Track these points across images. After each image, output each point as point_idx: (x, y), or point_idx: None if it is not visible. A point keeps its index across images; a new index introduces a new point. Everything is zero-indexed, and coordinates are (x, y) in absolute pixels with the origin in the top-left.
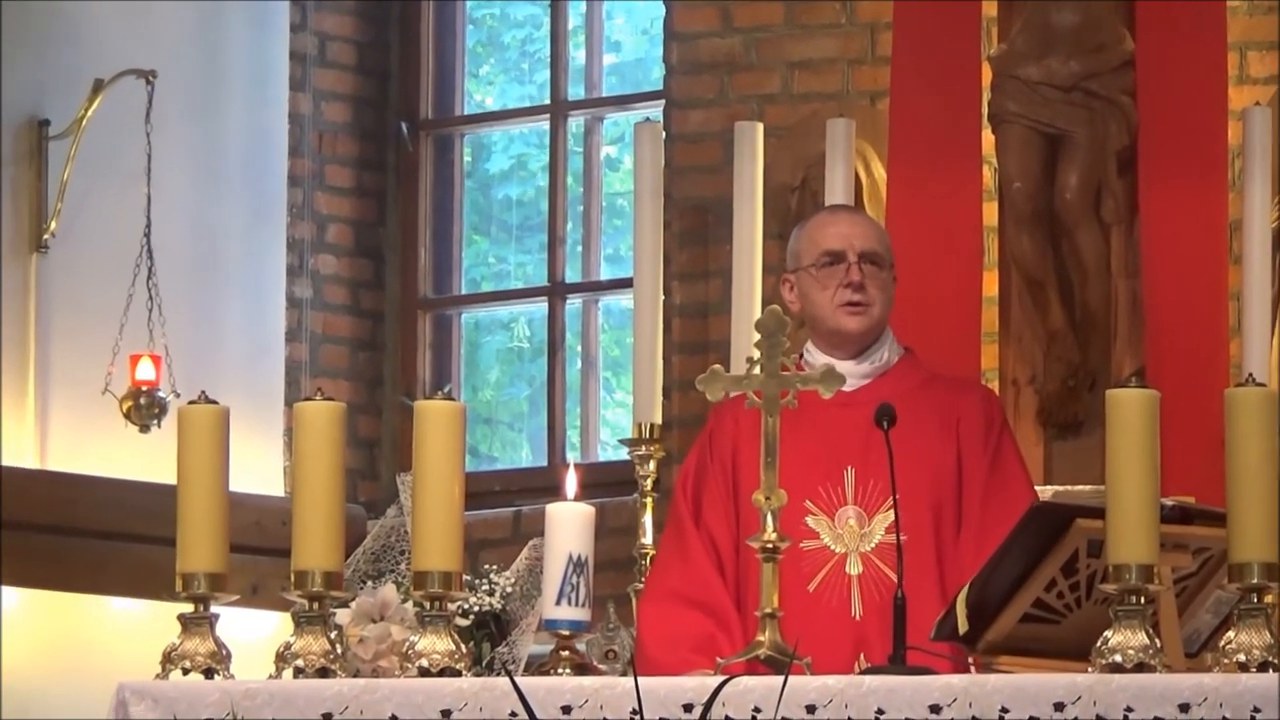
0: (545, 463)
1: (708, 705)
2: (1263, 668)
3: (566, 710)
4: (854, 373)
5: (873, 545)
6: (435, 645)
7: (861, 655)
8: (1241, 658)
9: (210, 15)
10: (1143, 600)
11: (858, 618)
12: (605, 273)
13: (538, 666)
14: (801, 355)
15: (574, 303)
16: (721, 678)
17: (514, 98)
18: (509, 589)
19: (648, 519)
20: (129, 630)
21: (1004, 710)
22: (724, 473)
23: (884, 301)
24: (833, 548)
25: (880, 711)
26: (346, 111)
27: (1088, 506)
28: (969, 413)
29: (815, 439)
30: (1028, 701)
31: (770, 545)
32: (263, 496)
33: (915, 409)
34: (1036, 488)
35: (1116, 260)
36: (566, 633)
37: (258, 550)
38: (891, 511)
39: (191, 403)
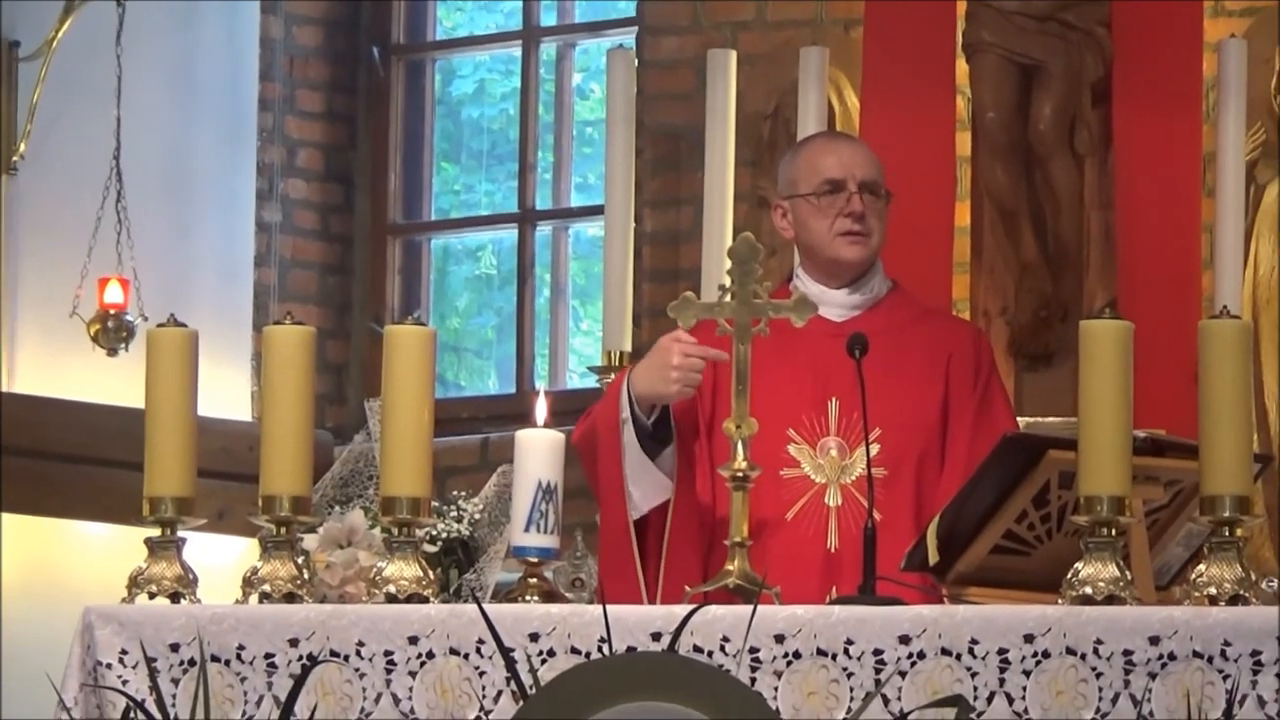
0: (513, 390)
1: (675, 634)
2: (1233, 601)
3: (534, 638)
4: (845, 303)
5: (853, 478)
6: (403, 571)
7: (834, 587)
8: (1212, 591)
9: None
10: (1114, 532)
11: (833, 550)
12: (575, 200)
13: (505, 593)
14: (790, 281)
15: (543, 230)
16: (689, 607)
17: (483, 25)
18: (477, 515)
19: None
20: (96, 554)
21: (973, 641)
22: (699, 400)
23: (881, 231)
24: (813, 477)
25: (849, 642)
26: (318, 35)
27: (1060, 438)
28: (960, 351)
29: (802, 368)
30: (997, 633)
31: (740, 474)
32: (230, 421)
33: (905, 343)
34: None
35: (1090, 191)
36: (535, 560)
37: (225, 475)
38: (875, 445)
39: (160, 325)
